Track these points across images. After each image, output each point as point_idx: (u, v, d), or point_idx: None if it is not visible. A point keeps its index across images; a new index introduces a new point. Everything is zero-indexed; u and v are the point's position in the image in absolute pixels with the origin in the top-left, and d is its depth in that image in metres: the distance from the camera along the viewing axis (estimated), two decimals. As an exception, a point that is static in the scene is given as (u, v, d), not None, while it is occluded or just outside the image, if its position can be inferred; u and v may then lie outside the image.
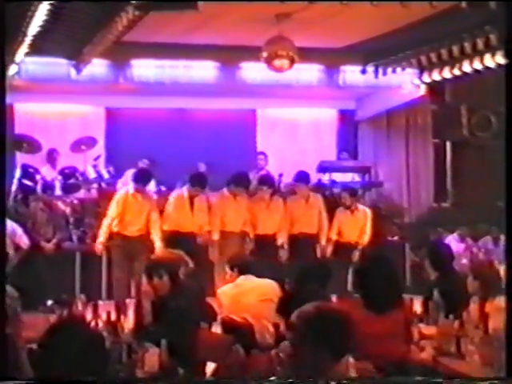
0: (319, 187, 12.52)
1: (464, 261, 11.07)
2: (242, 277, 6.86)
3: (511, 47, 5.78)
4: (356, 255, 10.85)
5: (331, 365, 3.61)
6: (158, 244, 10.14)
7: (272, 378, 3.83)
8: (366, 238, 11.19)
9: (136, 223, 10.33)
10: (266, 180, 11.29)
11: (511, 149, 4.76)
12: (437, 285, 6.56)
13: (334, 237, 11.08)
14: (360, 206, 11.33)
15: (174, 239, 10.11)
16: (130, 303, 5.93)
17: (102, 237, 10.35)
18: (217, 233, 10.53)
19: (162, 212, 10.53)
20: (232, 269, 6.97)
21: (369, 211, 11.36)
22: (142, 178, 10.51)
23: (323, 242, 11.01)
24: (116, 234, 10.36)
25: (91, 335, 3.28)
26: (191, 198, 10.55)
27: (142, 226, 10.33)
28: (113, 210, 10.36)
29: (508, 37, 5.93)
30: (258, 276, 6.93)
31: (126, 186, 11.08)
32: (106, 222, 10.38)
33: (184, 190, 10.67)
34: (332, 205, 11.46)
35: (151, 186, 12.99)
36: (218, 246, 10.46)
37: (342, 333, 3.69)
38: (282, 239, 10.76)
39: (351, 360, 3.74)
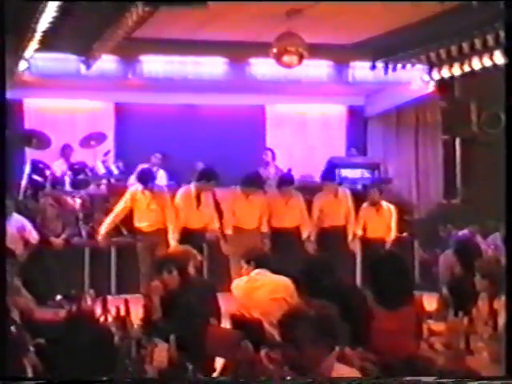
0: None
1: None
2: (256, 271, 6.79)
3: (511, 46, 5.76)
4: (368, 251, 10.94)
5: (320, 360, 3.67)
6: (173, 242, 10.07)
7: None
8: (393, 234, 11.24)
9: (147, 219, 10.34)
10: (287, 180, 11.27)
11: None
12: (462, 281, 6.52)
13: (360, 232, 11.16)
14: (384, 203, 11.36)
15: (183, 236, 10.14)
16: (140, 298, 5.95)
17: (102, 230, 10.47)
18: (229, 227, 10.58)
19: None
20: (248, 262, 6.92)
21: (393, 208, 11.40)
22: (144, 178, 10.55)
23: (350, 236, 11.10)
24: (137, 229, 10.43)
25: (99, 330, 3.28)
26: (198, 194, 10.58)
27: (153, 223, 10.33)
28: (120, 205, 10.44)
29: (508, 36, 5.91)
30: (274, 271, 6.88)
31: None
32: (110, 216, 10.48)
33: (191, 186, 10.69)
34: (357, 200, 11.54)
35: (163, 181, 13.09)
36: (232, 241, 10.49)
37: (335, 328, 3.75)
38: (306, 232, 10.82)
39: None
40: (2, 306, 4.28)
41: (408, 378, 3.46)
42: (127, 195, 10.46)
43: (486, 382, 3.70)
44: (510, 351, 3.92)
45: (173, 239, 10.14)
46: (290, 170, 13.18)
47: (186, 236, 10.09)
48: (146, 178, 10.54)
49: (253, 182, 10.77)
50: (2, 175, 5.34)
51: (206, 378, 4.38)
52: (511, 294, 4.35)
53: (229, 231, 10.60)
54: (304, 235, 10.84)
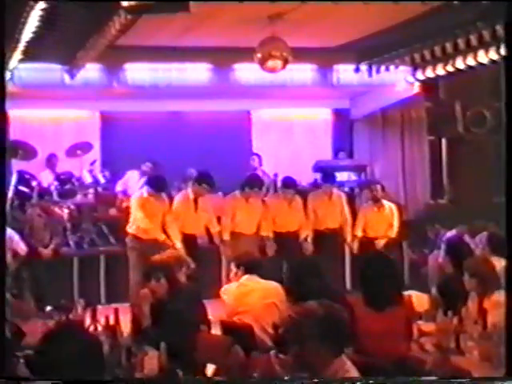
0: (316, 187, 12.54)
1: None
2: (246, 276, 6.80)
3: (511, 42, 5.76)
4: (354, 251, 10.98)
5: (330, 361, 3.66)
6: (179, 245, 10.06)
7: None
8: (394, 232, 11.24)
9: (148, 226, 10.24)
10: (290, 183, 11.29)
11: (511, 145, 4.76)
12: (453, 281, 6.52)
13: (360, 233, 11.14)
14: (385, 202, 11.36)
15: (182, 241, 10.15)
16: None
17: (177, 241, 10.18)
18: (227, 233, 10.60)
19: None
20: (238, 267, 6.92)
21: (394, 206, 11.42)
22: (157, 184, 10.43)
23: (348, 238, 11.09)
24: (132, 236, 10.32)
25: (88, 340, 3.27)
26: (196, 199, 10.57)
27: (153, 230, 10.27)
28: (139, 212, 10.24)
29: (507, 31, 5.92)
30: (264, 277, 6.87)
31: (128, 187, 11.06)
32: (147, 225, 10.24)
33: (189, 191, 10.67)
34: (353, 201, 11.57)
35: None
36: (230, 246, 10.49)
37: (344, 329, 3.74)
38: (305, 233, 10.86)
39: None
40: (2, 305, 4.26)
41: (411, 379, 3.46)
42: (137, 201, 10.36)
43: (486, 382, 3.70)
44: (510, 352, 3.93)
45: (178, 242, 10.11)
46: (276, 175, 13.20)
47: (185, 241, 10.10)
48: (161, 186, 10.45)
49: (255, 183, 10.82)
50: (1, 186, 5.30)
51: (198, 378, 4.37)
52: (510, 295, 4.35)
53: (226, 236, 10.61)
54: (302, 235, 10.87)
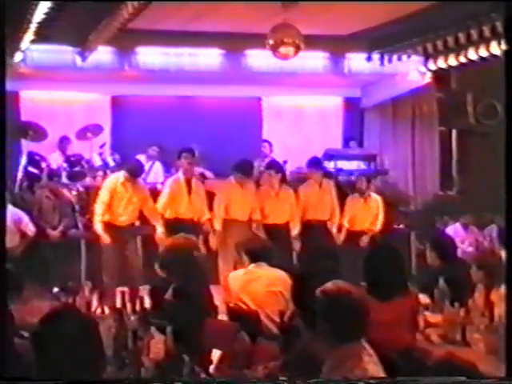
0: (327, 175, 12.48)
1: (469, 249, 11.07)
2: (254, 264, 6.78)
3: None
4: (364, 242, 10.88)
5: (344, 345, 3.73)
6: (160, 230, 10.04)
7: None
8: (379, 225, 11.18)
9: (125, 213, 10.12)
10: (274, 165, 11.26)
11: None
12: (441, 274, 6.56)
13: (346, 224, 11.07)
14: (372, 194, 11.31)
15: (174, 226, 9.89)
16: (139, 290, 5.94)
17: (98, 225, 10.05)
18: (219, 222, 10.44)
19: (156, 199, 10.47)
20: (247, 254, 6.89)
21: (380, 199, 11.33)
22: (135, 170, 10.26)
23: (334, 229, 11.02)
24: (106, 223, 10.08)
25: (84, 322, 3.24)
26: (188, 182, 10.53)
27: (131, 217, 10.19)
28: (104, 196, 10.08)
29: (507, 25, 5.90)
30: (271, 264, 6.84)
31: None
32: (98, 209, 10.08)
33: (180, 175, 10.64)
34: (342, 192, 11.47)
35: (159, 174, 13.09)
36: (221, 235, 10.41)
37: (359, 313, 3.82)
38: (295, 229, 10.70)
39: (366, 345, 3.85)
40: (3, 304, 4.26)
41: (420, 378, 3.48)
42: (108, 185, 10.16)
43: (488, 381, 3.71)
44: (509, 352, 3.93)
45: (159, 231, 10.05)
46: (285, 162, 13.18)
47: (178, 226, 9.79)
48: (137, 171, 10.31)
49: (243, 169, 10.58)
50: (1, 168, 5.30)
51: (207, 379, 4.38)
52: (511, 292, 4.34)
53: (217, 226, 10.41)
54: (293, 232, 10.68)
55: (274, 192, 10.76)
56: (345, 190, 11.84)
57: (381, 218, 11.20)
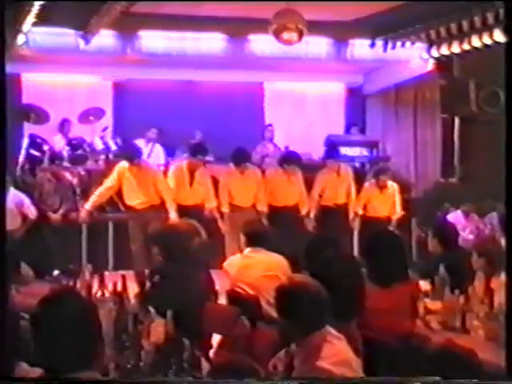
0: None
1: (470, 236, 11.07)
2: (250, 248, 6.78)
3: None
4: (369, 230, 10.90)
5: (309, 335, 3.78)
6: (173, 214, 10.03)
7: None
8: (397, 213, 11.22)
9: (138, 197, 10.16)
10: (295, 159, 11.15)
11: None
12: (441, 261, 6.56)
13: (360, 211, 11.13)
14: (388, 182, 11.32)
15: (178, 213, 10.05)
16: (138, 274, 5.94)
17: (89, 204, 10.26)
18: (226, 205, 10.56)
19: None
20: (245, 235, 6.89)
21: (396, 186, 11.38)
22: (129, 154, 10.35)
23: (351, 215, 11.09)
24: (128, 207, 10.32)
25: (84, 305, 3.25)
26: (191, 171, 10.53)
27: (145, 200, 10.17)
28: (107, 184, 10.25)
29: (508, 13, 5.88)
30: (271, 249, 6.84)
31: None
32: (96, 193, 10.29)
33: (183, 163, 10.65)
34: (357, 178, 11.53)
35: (159, 156, 13.08)
36: (229, 219, 10.46)
37: (317, 303, 3.87)
38: (305, 210, 10.82)
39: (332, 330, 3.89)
40: (3, 303, 4.25)
41: (412, 379, 3.48)
42: (114, 174, 10.24)
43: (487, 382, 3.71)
44: (509, 352, 3.94)
45: (173, 211, 10.06)
46: (287, 148, 13.17)
47: (180, 214, 9.97)
48: (132, 155, 10.32)
49: (238, 157, 10.64)
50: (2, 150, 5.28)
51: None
52: (511, 280, 4.34)
53: (225, 209, 10.57)
54: (303, 212, 10.82)
55: (287, 177, 10.82)
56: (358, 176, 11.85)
57: (398, 205, 11.25)
